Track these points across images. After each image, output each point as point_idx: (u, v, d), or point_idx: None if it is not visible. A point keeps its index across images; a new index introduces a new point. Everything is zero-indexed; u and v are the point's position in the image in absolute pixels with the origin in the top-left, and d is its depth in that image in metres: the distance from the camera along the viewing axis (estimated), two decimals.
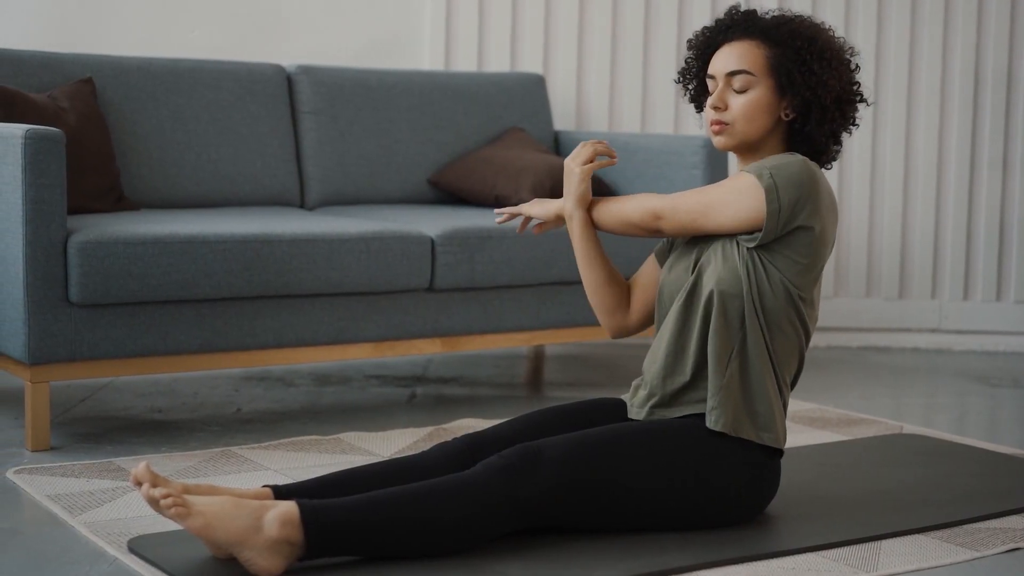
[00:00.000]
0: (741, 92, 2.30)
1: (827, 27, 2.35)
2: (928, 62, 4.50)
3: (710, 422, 2.26)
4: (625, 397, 2.44)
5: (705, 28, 2.40)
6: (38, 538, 2.25)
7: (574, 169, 2.38)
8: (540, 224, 2.49)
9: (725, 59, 2.32)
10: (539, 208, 2.48)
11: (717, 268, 2.28)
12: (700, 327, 2.29)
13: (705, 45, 2.38)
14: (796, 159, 2.26)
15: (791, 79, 2.27)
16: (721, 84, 2.32)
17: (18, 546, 2.20)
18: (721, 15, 2.40)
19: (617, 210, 2.38)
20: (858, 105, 2.33)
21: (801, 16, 2.34)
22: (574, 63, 4.36)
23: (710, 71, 2.35)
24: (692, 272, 2.32)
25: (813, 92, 2.26)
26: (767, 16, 2.34)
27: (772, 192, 2.21)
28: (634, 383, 2.43)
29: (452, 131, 3.95)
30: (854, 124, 2.35)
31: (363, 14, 4.22)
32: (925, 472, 2.77)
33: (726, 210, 2.26)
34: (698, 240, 2.35)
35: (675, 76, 2.49)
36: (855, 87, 2.32)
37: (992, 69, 4.50)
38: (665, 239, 2.49)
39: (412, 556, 2.10)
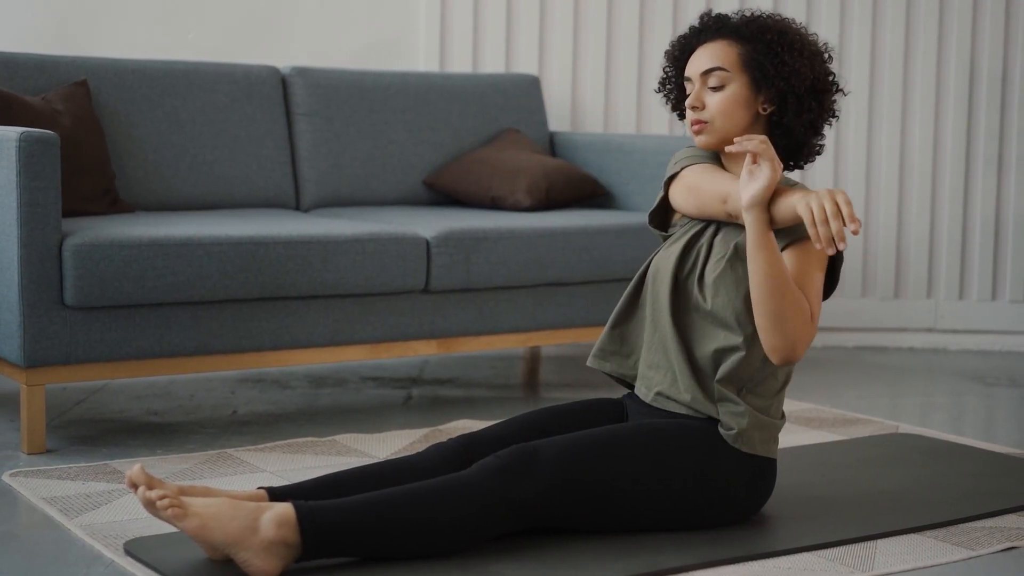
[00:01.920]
0: (717, 90, 2.31)
1: (798, 24, 2.36)
2: (923, 60, 4.50)
3: (729, 439, 2.27)
4: (608, 351, 2.44)
5: (679, 36, 2.42)
6: (34, 541, 2.25)
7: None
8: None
9: (699, 60, 2.34)
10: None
11: (734, 309, 2.25)
12: (713, 360, 2.28)
13: (680, 51, 2.41)
14: None
15: (764, 71, 2.28)
16: (698, 85, 2.33)
17: (14, 549, 2.20)
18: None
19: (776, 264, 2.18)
20: (835, 96, 2.35)
21: (771, 14, 2.36)
22: (569, 64, 4.36)
23: (687, 74, 2.37)
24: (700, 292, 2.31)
25: (787, 82, 2.28)
26: (737, 16, 2.36)
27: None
28: (635, 363, 2.42)
29: (447, 132, 3.95)
30: (833, 116, 2.36)
31: (358, 16, 4.22)
32: (921, 471, 2.77)
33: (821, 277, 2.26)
34: (707, 236, 2.35)
35: (655, 87, 2.49)
36: (830, 77, 2.34)
37: (987, 67, 4.51)
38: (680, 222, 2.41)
39: (409, 557, 2.10)
